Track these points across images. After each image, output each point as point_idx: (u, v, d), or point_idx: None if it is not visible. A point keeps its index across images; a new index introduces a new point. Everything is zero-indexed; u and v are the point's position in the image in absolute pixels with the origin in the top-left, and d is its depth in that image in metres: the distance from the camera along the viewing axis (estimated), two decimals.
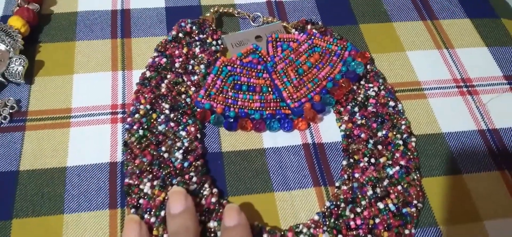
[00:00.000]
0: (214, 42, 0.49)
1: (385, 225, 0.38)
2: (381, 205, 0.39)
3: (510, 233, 0.40)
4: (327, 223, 0.38)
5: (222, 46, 0.49)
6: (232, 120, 0.43)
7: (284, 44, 0.48)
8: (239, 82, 0.45)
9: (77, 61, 0.48)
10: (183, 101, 0.44)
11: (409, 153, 0.42)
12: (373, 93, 0.46)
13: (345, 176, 0.41)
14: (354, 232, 0.38)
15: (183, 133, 0.42)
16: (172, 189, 0.37)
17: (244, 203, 0.40)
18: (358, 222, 0.38)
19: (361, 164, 0.42)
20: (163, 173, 0.40)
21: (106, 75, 0.47)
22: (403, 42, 0.52)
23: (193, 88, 0.45)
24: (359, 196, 0.40)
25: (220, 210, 0.38)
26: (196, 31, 0.49)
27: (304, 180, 0.42)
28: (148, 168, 0.40)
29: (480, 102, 0.48)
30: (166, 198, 0.38)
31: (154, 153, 0.41)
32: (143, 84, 0.45)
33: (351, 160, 0.42)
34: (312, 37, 0.48)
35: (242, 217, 0.35)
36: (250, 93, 0.45)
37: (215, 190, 0.39)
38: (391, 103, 0.45)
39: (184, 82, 0.45)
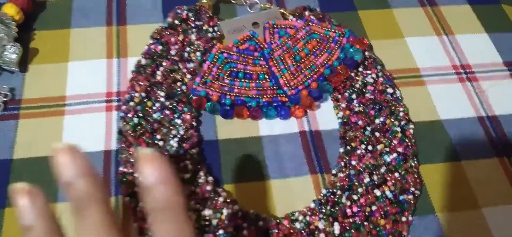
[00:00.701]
0: (210, 29, 0.48)
1: (382, 213, 0.38)
2: (378, 193, 0.39)
3: (509, 220, 0.39)
4: (323, 210, 0.38)
5: (218, 33, 0.49)
6: (228, 108, 0.43)
7: (281, 31, 0.47)
8: (235, 69, 0.45)
9: (72, 49, 0.47)
10: (178, 89, 0.44)
11: (406, 140, 0.42)
12: (371, 80, 0.45)
13: (342, 163, 0.41)
14: (351, 220, 0.38)
15: (179, 121, 0.42)
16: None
17: (240, 190, 0.40)
18: (355, 209, 0.38)
19: (358, 151, 0.41)
20: None
21: (101, 63, 0.46)
22: (402, 28, 0.52)
23: (189, 76, 0.45)
24: (356, 184, 0.39)
25: (216, 198, 0.38)
26: (193, 18, 0.48)
27: (300, 167, 0.41)
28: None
29: (479, 89, 0.47)
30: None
31: (149, 141, 0.40)
32: (138, 72, 0.44)
33: (348, 147, 0.42)
34: (310, 24, 0.48)
35: (164, 168, 0.23)
36: (247, 80, 0.44)
37: (210, 178, 0.39)
38: (389, 90, 0.45)
39: (180, 70, 0.45)
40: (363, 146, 0.41)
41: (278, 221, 0.38)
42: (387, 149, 0.41)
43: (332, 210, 0.38)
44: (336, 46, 0.46)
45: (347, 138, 0.42)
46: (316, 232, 0.37)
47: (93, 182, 0.24)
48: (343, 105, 0.44)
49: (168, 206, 0.23)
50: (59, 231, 0.24)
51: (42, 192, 0.24)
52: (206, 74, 0.44)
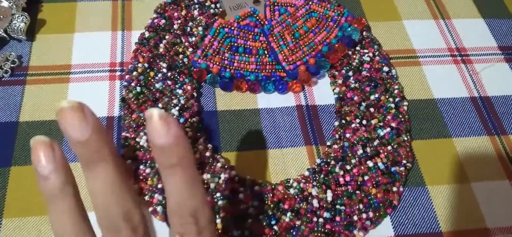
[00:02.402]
0: (212, 5, 0.50)
1: (374, 182, 0.39)
2: (370, 164, 0.40)
3: (496, 195, 0.40)
4: (317, 178, 0.39)
5: (220, 9, 0.50)
6: (227, 80, 0.44)
7: (282, 9, 0.49)
8: (235, 44, 0.46)
9: (78, 21, 0.49)
10: (180, 61, 0.45)
11: (400, 116, 0.43)
12: (368, 59, 0.47)
13: (337, 136, 0.42)
14: (343, 188, 0.39)
15: (180, 91, 0.43)
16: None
17: (237, 158, 0.41)
18: (347, 178, 0.39)
19: (353, 125, 0.42)
20: None
21: (105, 34, 0.48)
22: (400, 11, 0.53)
23: (190, 49, 0.46)
24: (350, 155, 0.41)
25: (214, 164, 0.39)
26: None
27: (296, 139, 0.42)
28: (144, 123, 0.41)
29: (473, 71, 0.48)
30: None
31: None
32: (141, 44, 0.46)
33: (343, 121, 0.43)
34: (310, 3, 0.49)
35: (175, 127, 0.24)
36: (246, 55, 0.46)
37: (209, 145, 0.40)
38: (385, 68, 0.46)
39: (182, 43, 0.46)
40: (357, 120, 0.43)
41: (273, 186, 0.39)
42: (381, 124, 0.43)
43: (326, 178, 0.39)
44: (335, 25, 0.48)
45: (343, 113, 0.44)
46: (310, 198, 0.38)
47: (103, 138, 0.24)
48: (340, 81, 0.46)
49: (180, 163, 0.24)
50: (73, 183, 0.25)
51: (59, 146, 0.25)
52: (207, 47, 0.45)
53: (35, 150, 0.24)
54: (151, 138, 0.24)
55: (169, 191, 0.25)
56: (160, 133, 0.23)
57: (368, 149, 0.41)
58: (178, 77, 0.44)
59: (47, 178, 0.24)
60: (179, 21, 0.48)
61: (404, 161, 0.41)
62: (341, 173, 0.40)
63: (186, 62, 0.45)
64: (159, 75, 0.44)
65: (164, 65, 0.44)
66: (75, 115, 0.23)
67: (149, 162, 0.39)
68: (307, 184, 0.39)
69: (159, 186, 0.38)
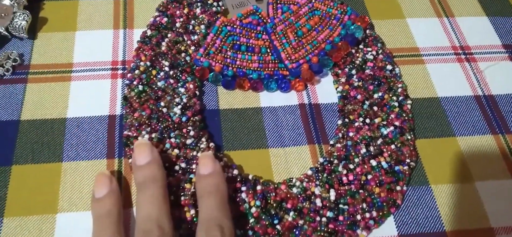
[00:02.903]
0: (215, 4, 0.50)
1: (377, 181, 0.39)
2: (374, 163, 0.40)
3: (500, 194, 0.40)
4: (320, 177, 0.39)
5: (222, 7, 0.50)
6: (230, 79, 0.44)
7: (285, 7, 0.48)
8: (238, 42, 0.46)
9: (79, 19, 0.49)
10: (182, 60, 0.45)
11: (404, 115, 0.43)
12: (371, 57, 0.46)
13: (340, 135, 0.42)
14: (346, 187, 0.39)
15: (182, 90, 0.43)
16: (136, 141, 0.37)
17: (239, 157, 0.41)
18: (351, 177, 0.39)
19: (356, 124, 0.42)
20: (161, 127, 0.40)
21: (107, 33, 0.48)
22: (403, 9, 0.53)
23: (192, 48, 0.46)
24: (353, 154, 0.40)
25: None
26: None
27: (298, 137, 0.42)
28: (146, 121, 0.40)
29: (477, 69, 0.48)
30: (163, 149, 0.39)
31: (153, 107, 0.41)
32: (144, 42, 0.46)
33: (347, 120, 0.43)
34: (313, 1, 0.48)
35: (217, 165, 0.36)
36: (249, 53, 0.45)
37: (212, 144, 0.40)
38: (389, 67, 0.46)
39: (184, 41, 0.46)
40: (361, 119, 0.42)
41: (275, 185, 0.39)
42: (385, 122, 0.42)
43: (329, 177, 0.39)
44: (338, 23, 0.47)
45: (346, 111, 0.43)
46: (313, 197, 0.38)
47: (157, 167, 0.35)
48: (343, 80, 0.45)
49: (212, 191, 0.34)
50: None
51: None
52: (209, 46, 0.45)
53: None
54: (198, 171, 0.36)
55: (203, 207, 0.33)
56: (207, 166, 0.35)
57: (371, 148, 0.41)
58: (180, 75, 0.44)
59: (99, 200, 0.35)
60: (181, 19, 0.47)
61: (408, 160, 0.40)
62: (344, 172, 0.39)
63: (189, 61, 0.45)
64: (161, 73, 0.44)
65: (166, 63, 0.44)
66: (144, 148, 0.36)
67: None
68: (310, 183, 0.39)
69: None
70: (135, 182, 0.36)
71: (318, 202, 0.38)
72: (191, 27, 0.47)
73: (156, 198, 0.33)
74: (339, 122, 0.43)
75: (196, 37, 0.46)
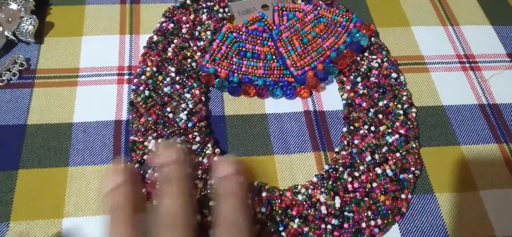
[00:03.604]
0: (221, 10, 0.50)
1: (382, 189, 0.39)
2: (379, 170, 0.40)
3: (505, 203, 0.40)
4: (325, 185, 0.39)
5: (229, 13, 0.50)
6: (235, 85, 0.44)
7: (290, 14, 0.49)
8: (244, 49, 0.46)
9: (86, 24, 0.49)
10: (188, 65, 0.45)
11: (409, 123, 0.43)
12: (376, 65, 0.47)
13: (345, 142, 0.42)
14: (351, 195, 0.39)
15: (188, 95, 0.43)
16: (161, 142, 0.38)
17: (244, 163, 0.41)
18: (356, 185, 0.39)
19: (361, 131, 0.42)
20: (168, 132, 0.40)
21: (114, 38, 0.48)
22: (408, 17, 0.53)
23: (198, 53, 0.46)
24: (358, 161, 0.40)
25: None
26: None
27: (303, 144, 0.42)
28: (153, 127, 0.41)
29: (482, 78, 0.48)
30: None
31: (159, 113, 0.41)
32: (150, 48, 0.46)
33: (352, 127, 0.43)
34: (318, 8, 0.49)
35: (234, 166, 0.35)
36: (255, 60, 0.46)
37: (217, 150, 0.40)
38: (394, 75, 0.46)
39: (190, 47, 0.46)
40: (366, 127, 0.43)
41: (281, 192, 0.39)
42: (390, 130, 0.42)
43: (334, 184, 0.39)
44: (343, 31, 0.48)
45: (351, 119, 0.43)
46: (318, 205, 0.38)
47: (181, 166, 0.33)
48: (348, 87, 0.45)
49: (232, 193, 0.33)
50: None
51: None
52: (215, 52, 0.45)
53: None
54: (216, 173, 0.34)
55: (222, 210, 0.32)
56: (224, 168, 0.34)
57: (376, 156, 0.41)
58: (186, 81, 0.44)
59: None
60: (187, 25, 0.48)
61: (413, 168, 0.40)
62: (350, 179, 0.39)
63: (194, 67, 0.45)
64: (168, 79, 0.44)
65: (173, 69, 0.44)
66: (168, 147, 0.33)
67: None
68: (315, 190, 0.39)
69: None
70: (158, 178, 0.35)
71: (323, 209, 0.38)
72: (197, 33, 0.47)
73: (181, 193, 0.33)
74: (344, 129, 0.43)
75: (202, 43, 0.47)
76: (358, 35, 0.47)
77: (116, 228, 0.32)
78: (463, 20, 0.53)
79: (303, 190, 0.39)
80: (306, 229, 0.37)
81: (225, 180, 0.34)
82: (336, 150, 0.42)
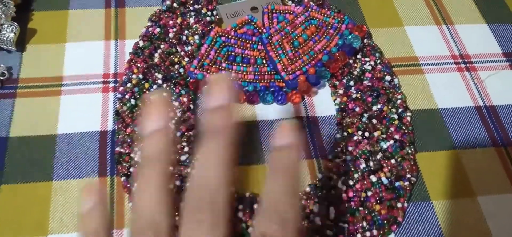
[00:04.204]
0: (209, 13, 0.48)
1: (377, 198, 0.38)
2: (373, 178, 0.39)
3: (503, 209, 0.39)
4: (319, 194, 0.38)
5: (217, 16, 0.49)
6: None
7: (280, 16, 0.47)
8: (233, 53, 0.44)
9: (69, 30, 0.47)
10: (176, 72, 0.44)
11: (404, 127, 0.42)
12: (369, 68, 0.45)
13: (338, 149, 0.41)
14: (346, 204, 0.38)
15: (176, 103, 0.42)
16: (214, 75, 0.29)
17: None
18: (350, 194, 0.38)
19: (355, 138, 0.41)
20: None
21: (98, 44, 0.46)
22: (401, 17, 0.52)
23: (186, 59, 0.45)
24: (352, 169, 0.39)
25: None
26: (191, 1, 0.48)
27: None
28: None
29: (478, 79, 0.47)
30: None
31: None
32: (136, 54, 0.44)
33: (345, 134, 0.42)
34: (309, 10, 0.47)
35: (296, 138, 0.27)
36: (244, 65, 0.44)
37: None
38: (387, 77, 0.45)
39: (178, 53, 0.45)
40: (360, 132, 0.41)
41: None
42: (384, 136, 0.41)
43: (328, 194, 0.38)
44: (335, 33, 0.46)
45: (344, 124, 0.42)
46: (311, 216, 0.37)
47: (231, 115, 0.26)
48: (341, 91, 0.44)
49: (287, 170, 0.25)
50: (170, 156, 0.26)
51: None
52: (204, 57, 0.44)
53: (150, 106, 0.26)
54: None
55: (268, 191, 0.25)
56: (285, 136, 0.26)
57: (371, 163, 0.40)
58: (174, 88, 0.43)
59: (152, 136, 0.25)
60: (174, 30, 0.46)
61: (408, 175, 0.39)
62: (344, 188, 0.38)
63: (182, 73, 0.44)
64: (154, 86, 0.42)
65: (159, 76, 0.43)
66: (225, 84, 0.26)
67: None
68: (309, 201, 0.38)
69: None
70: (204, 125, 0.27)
71: (318, 220, 0.37)
72: (184, 37, 0.46)
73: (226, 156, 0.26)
74: (338, 136, 0.42)
75: (189, 48, 0.45)
76: (350, 37, 0.46)
77: None
78: (457, 19, 0.52)
79: None
80: None
81: (281, 152, 0.27)
82: (330, 157, 0.41)
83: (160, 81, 0.43)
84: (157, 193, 0.24)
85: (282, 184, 0.25)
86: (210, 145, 0.25)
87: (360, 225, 0.37)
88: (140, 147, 0.27)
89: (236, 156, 0.26)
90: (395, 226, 0.37)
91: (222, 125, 0.26)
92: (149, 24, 0.47)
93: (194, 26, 0.47)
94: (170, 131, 0.26)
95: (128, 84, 0.42)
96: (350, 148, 0.41)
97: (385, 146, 0.41)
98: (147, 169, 0.25)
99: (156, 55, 0.44)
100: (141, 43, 0.45)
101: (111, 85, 0.44)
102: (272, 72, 0.44)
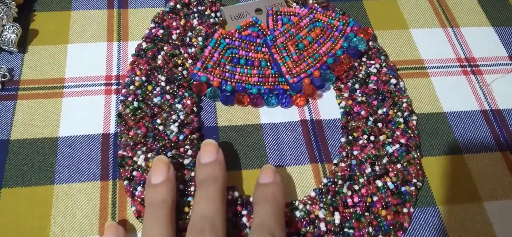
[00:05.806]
0: (212, 14, 0.48)
1: (383, 203, 0.37)
2: (379, 183, 0.38)
3: (510, 214, 0.39)
4: (324, 200, 0.37)
5: (221, 18, 0.48)
6: (228, 94, 0.42)
7: (285, 18, 0.47)
8: (237, 55, 0.44)
9: (72, 31, 0.47)
10: (179, 74, 0.43)
11: (409, 131, 0.41)
12: (375, 70, 0.45)
13: (344, 153, 0.40)
14: (351, 210, 0.37)
15: (179, 106, 0.41)
16: (205, 140, 0.37)
17: (239, 177, 0.39)
18: (356, 199, 0.37)
19: (360, 142, 0.41)
20: (158, 146, 0.39)
21: (101, 45, 0.46)
22: (407, 19, 0.51)
23: (190, 61, 0.44)
24: (357, 174, 0.39)
25: None
26: (195, 3, 0.48)
27: (300, 156, 0.41)
28: (142, 140, 0.39)
29: (483, 82, 0.47)
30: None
31: (149, 125, 0.40)
32: (139, 56, 0.44)
33: (350, 137, 0.41)
34: (314, 12, 0.47)
35: (277, 176, 0.36)
36: (248, 67, 0.44)
37: None
38: (393, 80, 0.44)
39: (181, 55, 0.44)
40: (365, 136, 0.41)
41: None
42: (390, 140, 0.41)
43: (333, 199, 0.37)
44: (340, 35, 0.46)
45: (349, 128, 0.42)
46: (317, 221, 0.36)
47: (220, 168, 0.35)
48: (346, 95, 0.44)
49: (272, 199, 0.34)
50: (173, 198, 0.34)
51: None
52: (207, 59, 0.43)
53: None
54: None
55: (257, 213, 0.33)
56: (268, 176, 0.36)
57: (376, 167, 0.39)
58: (177, 91, 0.42)
59: (155, 186, 0.34)
60: (177, 31, 0.46)
61: (414, 180, 0.39)
62: (349, 193, 0.38)
63: (186, 75, 0.43)
64: (158, 89, 0.42)
65: (163, 78, 0.42)
66: (211, 147, 0.36)
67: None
68: (314, 206, 0.37)
69: None
70: (196, 179, 0.36)
71: (323, 226, 0.36)
72: (188, 39, 0.45)
73: (213, 197, 0.33)
74: (343, 140, 0.41)
75: (193, 50, 0.45)
76: (355, 39, 0.45)
77: (152, 223, 0.32)
78: (463, 21, 0.51)
79: (301, 206, 0.37)
80: None
81: (266, 187, 0.35)
82: (335, 161, 0.40)
83: (163, 84, 0.42)
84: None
85: (268, 207, 0.33)
86: (204, 189, 0.34)
87: (366, 230, 0.36)
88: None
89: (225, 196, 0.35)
90: (401, 232, 0.37)
91: (211, 176, 0.34)
92: (152, 25, 0.46)
93: (197, 28, 0.46)
94: None
95: (131, 87, 0.42)
96: (355, 152, 0.40)
97: (390, 150, 0.40)
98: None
99: (159, 57, 0.44)
100: (144, 45, 0.44)
101: (114, 87, 0.43)
102: (277, 75, 0.44)
